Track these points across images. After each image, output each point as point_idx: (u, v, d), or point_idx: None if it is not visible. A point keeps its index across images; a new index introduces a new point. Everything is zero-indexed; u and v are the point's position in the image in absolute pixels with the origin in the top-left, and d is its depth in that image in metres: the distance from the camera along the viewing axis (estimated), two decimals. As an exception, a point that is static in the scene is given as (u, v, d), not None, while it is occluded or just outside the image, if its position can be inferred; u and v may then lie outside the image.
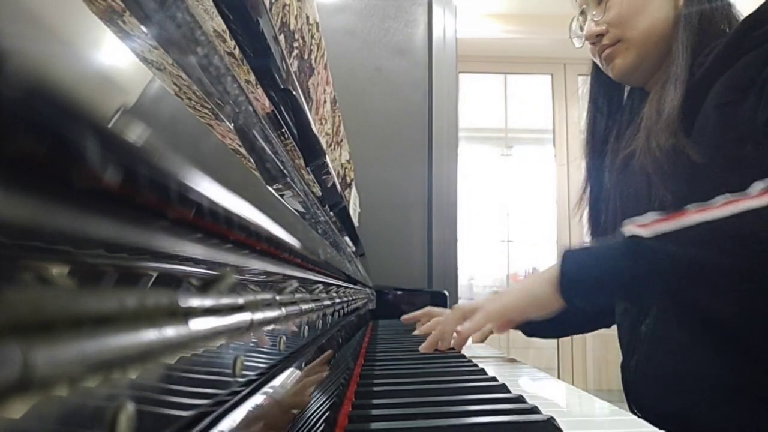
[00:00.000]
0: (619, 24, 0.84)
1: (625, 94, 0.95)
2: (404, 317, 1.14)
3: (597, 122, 0.95)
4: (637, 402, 0.81)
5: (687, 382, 0.72)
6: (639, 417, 0.79)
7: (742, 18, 0.80)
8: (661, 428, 0.45)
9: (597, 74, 0.95)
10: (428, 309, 1.22)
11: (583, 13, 0.90)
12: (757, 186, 0.60)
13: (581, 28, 0.91)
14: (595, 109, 0.96)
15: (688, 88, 0.74)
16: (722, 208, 0.60)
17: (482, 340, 0.98)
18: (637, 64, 0.85)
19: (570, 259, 0.69)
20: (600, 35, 0.86)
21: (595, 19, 0.86)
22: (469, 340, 1.07)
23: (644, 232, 0.63)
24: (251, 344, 0.29)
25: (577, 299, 0.68)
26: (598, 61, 0.90)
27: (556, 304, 0.69)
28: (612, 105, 0.95)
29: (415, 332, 1.07)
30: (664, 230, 0.62)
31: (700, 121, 0.72)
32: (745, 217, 0.58)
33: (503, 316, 0.77)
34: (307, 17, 0.67)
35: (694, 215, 0.61)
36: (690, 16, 0.79)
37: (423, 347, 0.86)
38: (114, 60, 0.15)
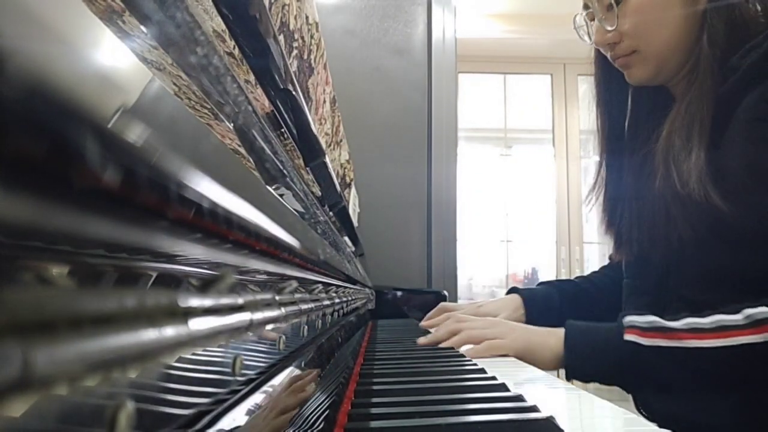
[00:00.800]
0: (635, 36, 0.77)
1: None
2: (423, 323, 1.14)
3: (611, 116, 0.90)
4: (645, 404, 0.81)
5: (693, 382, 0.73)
6: (646, 417, 0.80)
7: None
8: (666, 427, 0.45)
9: (602, 67, 0.89)
10: (442, 305, 1.22)
11: (588, 10, 0.83)
12: (749, 314, 0.63)
13: (586, 22, 0.85)
14: (606, 102, 0.90)
15: (719, 97, 0.70)
16: (716, 338, 0.64)
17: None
18: (657, 74, 0.79)
19: (571, 343, 0.73)
20: (612, 43, 0.79)
21: (607, 27, 0.78)
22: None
23: (644, 341, 0.67)
24: (251, 344, 0.29)
25: (576, 379, 0.74)
26: (612, 62, 0.84)
27: (550, 368, 0.76)
28: (623, 97, 0.89)
29: (423, 323, 1.08)
30: (661, 345, 0.66)
31: (731, 132, 0.69)
32: (733, 351, 0.62)
33: (516, 355, 0.78)
34: (307, 17, 0.67)
35: (690, 339, 0.65)
36: (714, 14, 0.73)
37: (450, 343, 0.84)
38: (114, 60, 0.15)
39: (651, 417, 0.79)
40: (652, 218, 0.78)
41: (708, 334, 0.64)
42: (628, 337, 0.68)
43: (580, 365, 0.72)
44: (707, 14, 0.73)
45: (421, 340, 0.86)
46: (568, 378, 0.74)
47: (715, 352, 0.63)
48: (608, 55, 0.83)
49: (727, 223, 0.68)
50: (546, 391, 0.62)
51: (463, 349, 0.80)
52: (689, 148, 0.71)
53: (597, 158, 0.96)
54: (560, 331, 0.75)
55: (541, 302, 1.05)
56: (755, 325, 0.61)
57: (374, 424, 0.39)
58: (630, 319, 0.70)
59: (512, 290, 1.10)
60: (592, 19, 0.83)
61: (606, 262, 1.10)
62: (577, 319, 1.03)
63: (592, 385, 0.77)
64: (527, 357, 0.75)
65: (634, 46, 0.78)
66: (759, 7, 0.73)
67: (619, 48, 0.80)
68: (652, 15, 0.76)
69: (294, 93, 0.46)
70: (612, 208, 0.90)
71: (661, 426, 0.45)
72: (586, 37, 0.86)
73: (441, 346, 0.84)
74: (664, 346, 0.66)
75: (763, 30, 0.71)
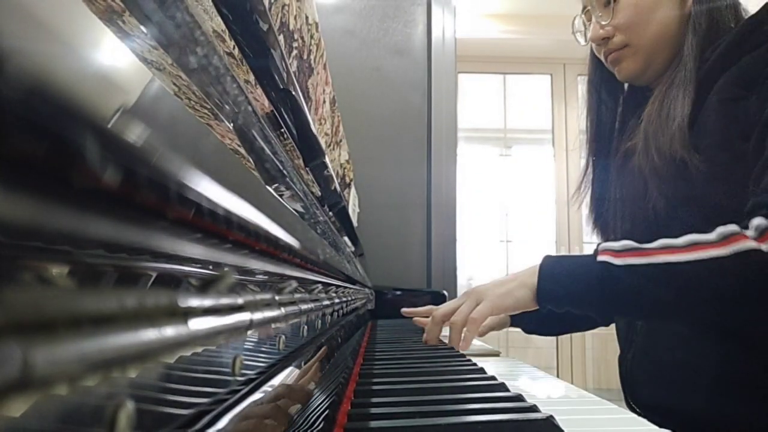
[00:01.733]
0: (627, 29, 0.83)
1: (625, 88, 0.94)
2: (405, 310, 1.14)
3: (600, 118, 0.95)
4: (633, 395, 0.82)
5: (683, 374, 0.73)
6: (635, 409, 0.80)
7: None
8: (656, 420, 0.45)
9: (597, 70, 0.94)
10: (430, 308, 1.22)
11: (586, 11, 0.89)
12: (720, 231, 0.63)
13: (584, 25, 0.90)
14: (597, 104, 0.95)
15: (692, 88, 0.75)
16: (686, 252, 0.64)
17: (483, 334, 1.00)
18: (645, 68, 0.84)
19: (546, 269, 0.74)
20: (606, 38, 0.85)
21: (602, 22, 0.85)
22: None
23: (616, 261, 0.68)
24: (251, 344, 0.29)
25: (550, 306, 0.74)
26: (603, 61, 0.89)
27: (533, 307, 0.76)
28: (614, 99, 0.94)
29: (409, 312, 1.10)
30: (632, 263, 0.67)
31: (703, 115, 0.73)
32: (703, 264, 0.63)
33: (498, 310, 0.79)
34: (307, 17, 0.67)
35: (662, 255, 0.66)
36: (698, 17, 0.79)
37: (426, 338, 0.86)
38: (114, 60, 0.15)
39: (640, 410, 0.79)
40: (633, 200, 0.81)
41: (679, 249, 0.65)
42: (601, 257, 0.69)
43: (552, 288, 0.72)
44: (692, 16, 0.80)
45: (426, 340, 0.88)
46: (541, 304, 0.74)
47: (686, 266, 0.63)
48: (601, 53, 0.88)
49: (697, 191, 0.71)
50: (545, 391, 0.62)
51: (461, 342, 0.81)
52: (671, 116, 0.76)
53: (584, 159, 0.98)
54: (534, 266, 0.76)
55: None
56: (725, 238, 0.63)
57: (374, 424, 0.39)
58: (605, 244, 0.71)
59: None
60: (590, 20, 0.88)
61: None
62: (563, 321, 1.04)
63: (591, 385, 0.76)
64: (508, 304, 0.76)
65: (626, 40, 0.84)
66: (730, 15, 0.80)
67: (612, 42, 0.86)
68: (644, 9, 0.83)
69: (294, 93, 0.46)
70: (598, 205, 0.94)
71: (650, 420, 0.46)
72: (581, 39, 0.92)
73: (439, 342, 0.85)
74: (637, 264, 0.66)
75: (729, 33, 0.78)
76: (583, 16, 0.90)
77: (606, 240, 0.91)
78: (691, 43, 0.78)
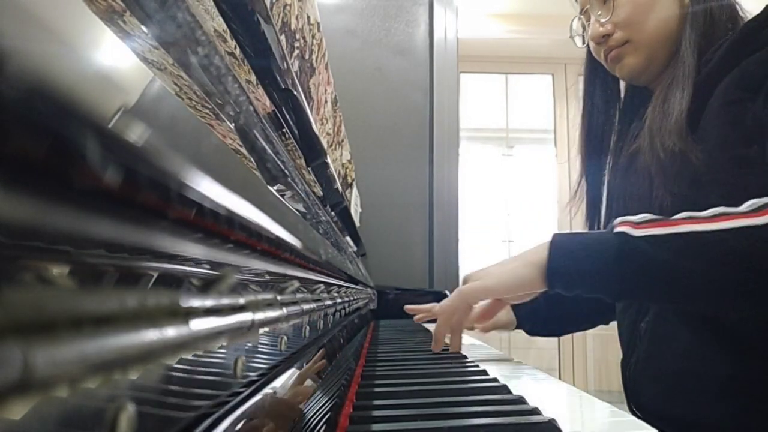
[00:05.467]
0: (627, 25, 0.83)
1: (622, 91, 0.94)
2: (408, 307, 1.13)
3: (594, 119, 0.94)
4: (636, 400, 0.81)
5: (687, 380, 0.72)
6: (638, 415, 0.79)
7: (746, 16, 0.80)
8: (659, 427, 0.45)
9: (592, 70, 0.94)
10: (432, 305, 1.21)
11: (585, 12, 0.89)
12: (750, 204, 0.60)
13: (583, 27, 0.90)
14: (591, 106, 0.95)
15: (695, 86, 0.74)
16: (714, 222, 0.60)
17: (488, 331, 0.99)
18: (646, 65, 0.84)
19: (558, 245, 0.67)
20: (606, 35, 0.84)
21: (601, 19, 0.84)
22: (468, 339, 1.08)
23: (635, 232, 0.62)
24: (253, 345, 0.29)
25: (559, 287, 0.67)
26: (603, 61, 0.89)
27: (539, 287, 0.69)
28: (609, 101, 0.94)
29: (412, 310, 1.08)
30: (654, 234, 0.62)
31: (705, 119, 0.72)
32: (734, 233, 0.58)
33: (497, 290, 0.73)
34: (308, 17, 0.67)
35: (687, 224, 0.61)
36: (696, 15, 0.79)
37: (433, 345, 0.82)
38: (114, 60, 0.15)
39: (644, 416, 0.78)
40: (638, 200, 0.79)
41: (706, 220, 0.60)
42: (619, 229, 0.63)
43: (565, 263, 0.65)
44: (690, 12, 0.80)
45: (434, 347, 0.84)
46: (551, 282, 0.67)
47: (714, 235, 0.58)
48: (601, 53, 0.87)
49: (703, 190, 0.69)
50: (546, 393, 0.62)
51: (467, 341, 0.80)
52: (670, 111, 0.74)
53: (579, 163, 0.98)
54: (543, 243, 0.69)
55: (527, 305, 1.05)
56: (757, 209, 0.58)
57: (376, 426, 0.39)
58: (622, 217, 0.65)
59: None
60: (589, 20, 0.88)
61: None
62: (566, 320, 1.03)
63: (592, 387, 0.73)
64: (509, 283, 0.70)
65: (627, 36, 0.84)
66: (726, 13, 0.79)
67: (612, 39, 0.85)
68: (643, 6, 0.82)
69: (295, 93, 0.46)
70: (594, 211, 0.92)
71: (654, 426, 0.45)
72: (579, 41, 0.92)
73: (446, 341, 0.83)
74: (659, 234, 0.61)
75: (726, 31, 0.78)
76: (582, 17, 0.90)
77: None
78: (689, 38, 0.78)
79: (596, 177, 0.93)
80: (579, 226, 1.00)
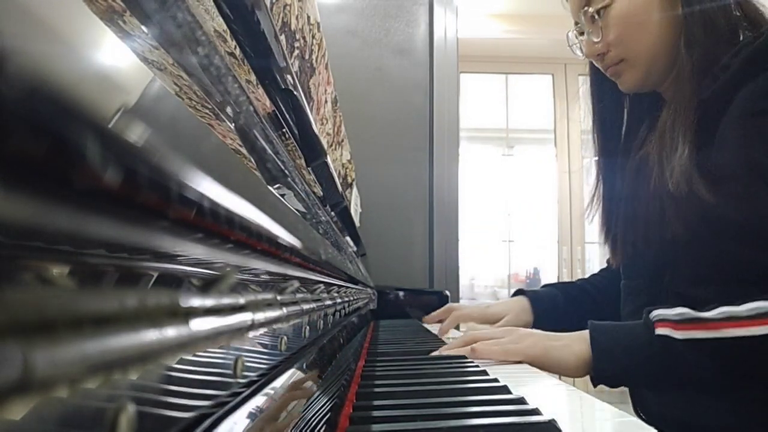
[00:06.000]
0: (619, 44, 0.80)
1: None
2: (427, 318, 1.13)
3: (605, 120, 0.93)
4: (644, 406, 0.81)
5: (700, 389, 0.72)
6: (643, 419, 0.79)
7: (750, 13, 0.76)
8: (663, 429, 0.45)
9: (596, 71, 0.92)
10: (449, 306, 1.21)
11: (578, 25, 0.87)
12: None
13: (577, 36, 0.89)
14: (601, 107, 0.93)
15: (708, 97, 0.72)
16: (755, 325, 0.60)
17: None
18: (646, 78, 0.82)
19: (599, 349, 0.68)
20: (601, 53, 0.83)
21: (594, 39, 0.82)
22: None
23: (677, 335, 0.63)
24: (252, 345, 0.29)
25: (604, 384, 0.69)
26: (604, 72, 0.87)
27: (572, 375, 0.71)
28: (618, 101, 0.92)
29: (428, 318, 1.07)
30: (697, 338, 0.62)
31: (724, 127, 0.69)
32: None
33: (537, 359, 0.73)
34: (308, 17, 0.67)
35: (728, 328, 0.61)
36: (692, 20, 0.75)
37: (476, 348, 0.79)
38: (114, 60, 0.15)
39: (649, 420, 0.78)
40: (647, 218, 0.78)
41: (747, 322, 0.60)
42: (659, 331, 0.64)
43: (609, 367, 0.67)
44: (685, 18, 0.76)
45: (436, 354, 0.83)
46: (595, 383, 0.69)
47: (757, 340, 0.59)
48: (600, 66, 0.86)
49: (719, 219, 0.68)
50: (547, 393, 0.62)
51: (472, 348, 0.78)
52: (675, 146, 0.72)
53: (595, 165, 0.97)
54: (583, 334, 0.71)
55: (547, 303, 1.05)
56: None
57: (376, 427, 0.39)
58: (658, 312, 0.66)
59: (517, 292, 1.11)
60: (582, 34, 0.86)
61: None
62: (579, 320, 1.03)
63: (592, 387, 0.73)
64: (546, 363, 0.71)
65: (621, 54, 0.82)
66: (739, 12, 0.76)
67: (608, 58, 0.83)
68: (633, 22, 0.79)
69: (295, 93, 0.46)
70: (609, 215, 0.91)
71: (659, 429, 0.45)
72: (578, 52, 0.90)
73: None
74: (700, 338, 0.62)
75: (737, 30, 0.74)
76: (575, 29, 0.88)
77: (614, 251, 0.89)
78: (683, 49, 0.75)
79: (611, 179, 0.92)
80: (579, 224, 0.99)
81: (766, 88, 0.67)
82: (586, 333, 0.70)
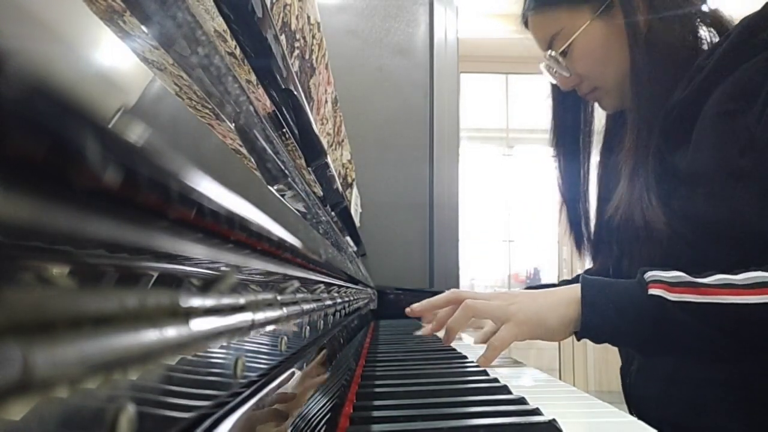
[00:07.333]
0: (589, 77, 0.83)
1: None
2: (410, 310, 1.11)
3: (565, 120, 0.94)
4: (638, 408, 0.81)
5: (698, 392, 0.71)
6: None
7: (715, 22, 0.77)
8: (660, 429, 0.45)
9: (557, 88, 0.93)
10: (427, 301, 1.18)
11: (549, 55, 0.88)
12: None
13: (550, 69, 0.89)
14: (561, 108, 0.95)
15: (684, 97, 0.72)
16: (752, 294, 0.59)
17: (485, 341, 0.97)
18: (624, 99, 0.82)
19: (589, 302, 0.67)
20: (575, 84, 0.86)
21: (564, 73, 0.85)
22: (468, 338, 1.07)
23: (671, 296, 0.62)
24: (252, 345, 0.29)
25: (589, 339, 0.68)
26: None
27: (565, 337, 0.70)
28: (577, 102, 0.93)
29: (421, 332, 1.06)
30: (691, 301, 0.61)
31: (699, 130, 0.70)
32: None
33: (524, 337, 0.73)
34: (309, 17, 0.67)
35: (724, 295, 0.60)
36: (647, 49, 0.76)
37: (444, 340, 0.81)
38: (114, 60, 0.15)
39: (645, 422, 0.78)
40: (632, 219, 0.77)
41: (743, 290, 0.59)
42: (653, 291, 0.63)
43: (597, 321, 0.66)
44: (630, 49, 0.77)
45: (422, 332, 0.84)
46: (579, 337, 0.68)
47: (754, 309, 0.58)
48: (579, 94, 0.88)
49: (697, 219, 0.68)
50: (547, 393, 0.62)
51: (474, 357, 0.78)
52: (637, 176, 0.74)
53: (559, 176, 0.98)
54: (571, 292, 0.69)
55: None
56: None
57: (376, 427, 0.39)
58: (654, 273, 0.64)
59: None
60: (554, 66, 0.88)
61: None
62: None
63: (592, 388, 0.72)
64: (537, 333, 0.70)
65: (593, 84, 0.85)
66: (705, 26, 0.77)
67: (581, 88, 0.86)
68: (595, 57, 0.82)
69: (295, 93, 0.46)
70: (574, 213, 0.95)
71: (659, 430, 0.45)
72: (554, 81, 0.91)
73: (445, 335, 0.81)
74: (695, 302, 0.61)
75: (697, 37, 0.76)
76: (546, 62, 0.89)
77: (597, 255, 0.90)
78: (637, 102, 0.75)
79: (573, 178, 0.94)
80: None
81: (739, 88, 0.67)
82: (576, 287, 0.69)
